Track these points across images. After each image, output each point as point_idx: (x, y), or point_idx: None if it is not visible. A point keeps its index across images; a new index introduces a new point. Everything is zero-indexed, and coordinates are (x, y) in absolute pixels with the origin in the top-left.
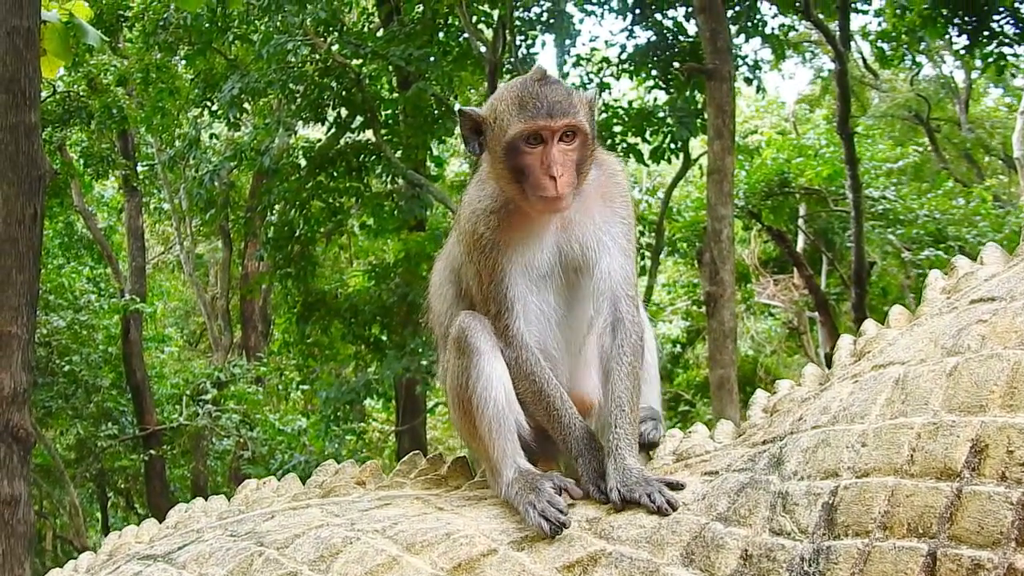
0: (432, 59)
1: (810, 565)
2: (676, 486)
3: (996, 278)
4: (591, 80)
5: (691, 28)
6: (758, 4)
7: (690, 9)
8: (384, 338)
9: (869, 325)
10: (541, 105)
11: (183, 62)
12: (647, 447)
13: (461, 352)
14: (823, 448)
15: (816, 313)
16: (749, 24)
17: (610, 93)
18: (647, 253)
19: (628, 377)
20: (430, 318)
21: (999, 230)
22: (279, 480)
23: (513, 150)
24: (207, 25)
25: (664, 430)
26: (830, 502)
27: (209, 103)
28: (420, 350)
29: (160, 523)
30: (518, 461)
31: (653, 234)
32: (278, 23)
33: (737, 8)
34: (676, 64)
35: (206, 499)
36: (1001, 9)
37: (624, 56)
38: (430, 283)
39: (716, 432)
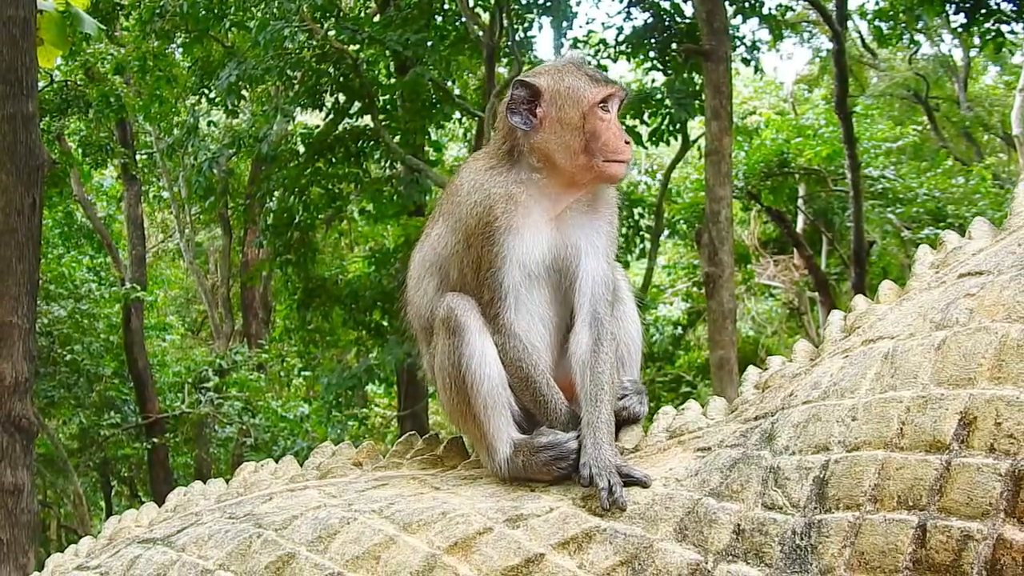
0: (429, 44)
1: (802, 538)
2: (642, 483)
3: (984, 252)
4: (589, 63)
5: (688, 9)
6: None
7: None
8: (385, 323)
9: (859, 300)
10: (605, 76)
11: (180, 50)
12: (632, 420)
13: (451, 332)
14: (814, 423)
15: (816, 293)
16: (746, 4)
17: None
18: (646, 235)
19: (605, 369)
20: (409, 312)
21: (998, 208)
22: (277, 463)
23: (589, 115)
24: (204, 12)
25: (647, 404)
26: (821, 476)
27: (207, 91)
28: None
29: (160, 508)
30: (512, 435)
31: (652, 216)
32: (275, 9)
33: None
34: (674, 45)
35: (205, 484)
36: None
37: (621, 38)
38: (407, 278)
39: (709, 409)
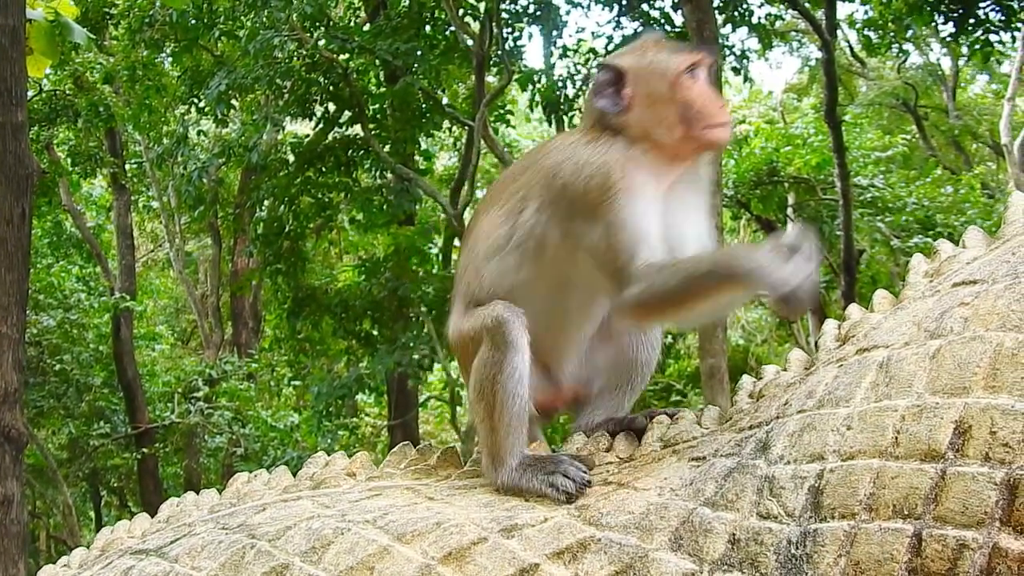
0: (419, 53)
1: (797, 548)
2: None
3: (978, 261)
4: (579, 72)
5: (678, 18)
6: None
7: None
8: (375, 333)
9: (853, 309)
10: (686, 46)
11: (170, 59)
12: (638, 431)
13: (496, 346)
14: (809, 432)
15: None
16: (736, 14)
17: None
18: None
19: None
20: (465, 274)
21: (987, 217)
22: (270, 473)
23: (678, 86)
24: (193, 22)
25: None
26: (816, 485)
27: (196, 100)
28: (411, 344)
29: (152, 518)
30: (524, 451)
31: None
32: (264, 18)
33: None
34: None
35: (198, 495)
36: None
37: (611, 47)
38: (475, 242)
39: (703, 418)
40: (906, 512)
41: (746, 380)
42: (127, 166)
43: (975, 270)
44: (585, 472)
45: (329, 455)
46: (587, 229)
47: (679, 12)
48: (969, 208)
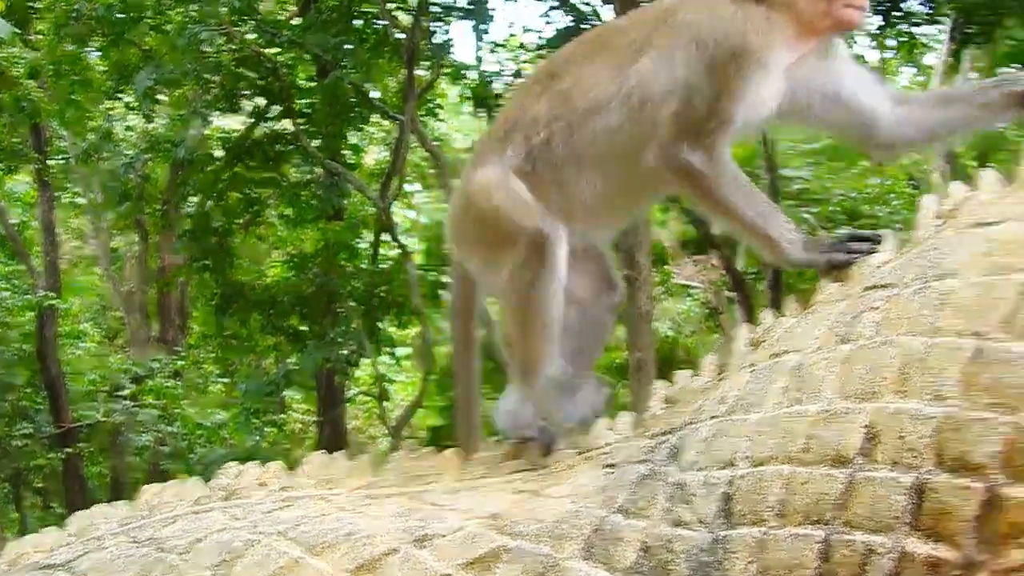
0: (349, 47)
1: (708, 555)
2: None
3: (888, 264)
4: (508, 66)
5: (606, 13)
6: None
7: None
8: (304, 329)
9: (767, 314)
10: None
11: (96, 54)
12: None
13: (541, 261)
14: (720, 438)
15: (734, 292)
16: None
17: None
18: None
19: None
20: (538, 121)
21: (912, 209)
22: (185, 483)
23: None
24: (120, 16)
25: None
26: (727, 492)
27: (123, 95)
28: (340, 340)
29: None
30: (551, 369)
31: None
32: (192, 13)
33: None
34: None
35: (125, 497)
36: None
37: (542, 42)
38: (569, 88)
39: (617, 423)
40: (815, 518)
41: (659, 385)
42: (52, 162)
43: (886, 274)
44: (600, 406)
45: (257, 453)
46: (701, 84)
47: (611, 5)
48: (894, 199)
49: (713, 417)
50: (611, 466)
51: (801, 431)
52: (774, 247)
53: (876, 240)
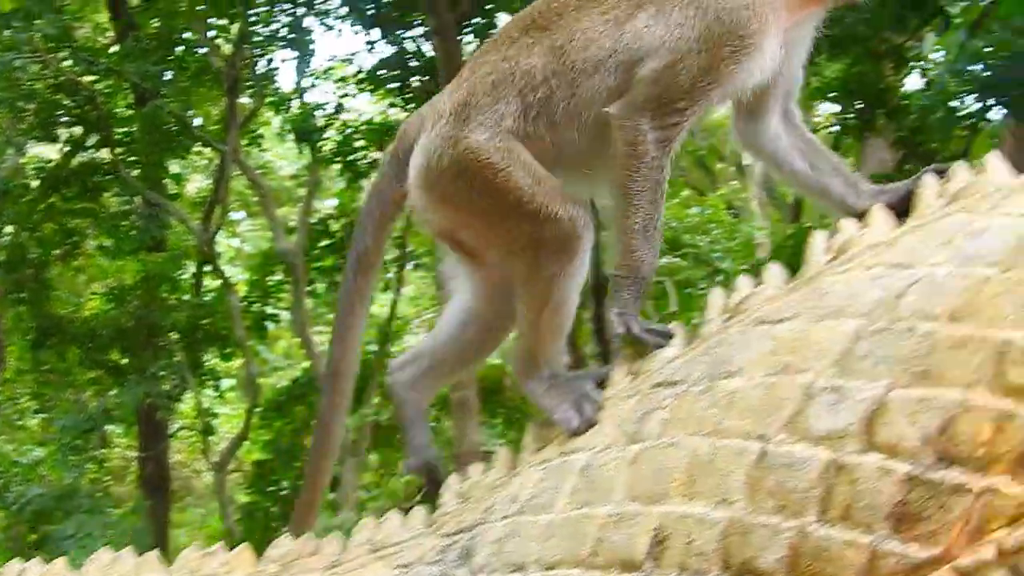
0: (169, 75)
1: None
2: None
3: (677, 360)
4: (331, 96)
5: (428, 48)
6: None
7: (427, 30)
8: (125, 362)
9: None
10: None
11: None
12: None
13: (570, 251)
14: (511, 540)
15: None
16: (481, 40)
17: (348, 112)
18: (392, 267)
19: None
20: (531, 75)
21: (731, 238)
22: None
23: None
24: None
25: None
26: None
27: None
28: (162, 374)
29: None
30: (560, 361)
31: (398, 248)
32: (5, 39)
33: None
34: (415, 80)
35: None
36: None
37: (361, 74)
38: (565, 42)
39: (409, 520)
40: None
41: (453, 479)
42: None
43: (675, 370)
44: (595, 411)
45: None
46: (690, 53)
47: (430, 42)
48: (714, 228)
49: (505, 517)
50: (403, 566)
51: (591, 534)
52: (633, 263)
53: (668, 336)
